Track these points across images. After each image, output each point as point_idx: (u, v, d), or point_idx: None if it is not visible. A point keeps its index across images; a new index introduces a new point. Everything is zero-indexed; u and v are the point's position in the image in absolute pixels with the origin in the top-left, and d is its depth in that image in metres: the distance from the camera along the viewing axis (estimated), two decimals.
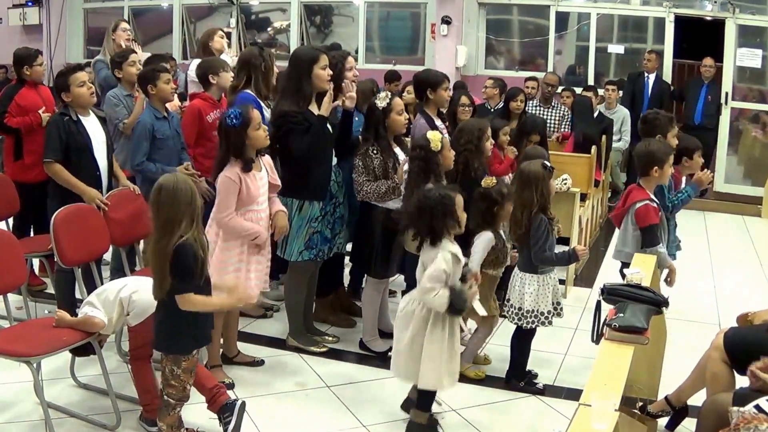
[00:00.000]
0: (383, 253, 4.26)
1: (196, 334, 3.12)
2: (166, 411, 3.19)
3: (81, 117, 4.31)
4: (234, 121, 3.63)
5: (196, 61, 5.47)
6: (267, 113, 4.54)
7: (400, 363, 3.44)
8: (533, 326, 3.93)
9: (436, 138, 3.99)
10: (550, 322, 3.94)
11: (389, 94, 4.32)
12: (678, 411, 3.53)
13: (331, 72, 4.23)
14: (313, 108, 4.18)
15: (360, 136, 4.38)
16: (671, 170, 4.16)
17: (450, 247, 3.33)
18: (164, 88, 4.54)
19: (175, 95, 5.12)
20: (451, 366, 3.38)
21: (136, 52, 5.20)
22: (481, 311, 3.94)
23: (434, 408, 3.59)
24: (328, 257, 4.40)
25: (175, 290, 2.98)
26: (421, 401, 3.53)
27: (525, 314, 3.90)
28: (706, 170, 4.54)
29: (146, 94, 4.62)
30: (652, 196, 4.12)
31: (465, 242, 3.99)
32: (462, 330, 4.34)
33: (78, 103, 4.29)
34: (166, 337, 3.08)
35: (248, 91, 4.50)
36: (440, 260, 3.27)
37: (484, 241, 3.99)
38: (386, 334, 4.54)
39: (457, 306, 3.26)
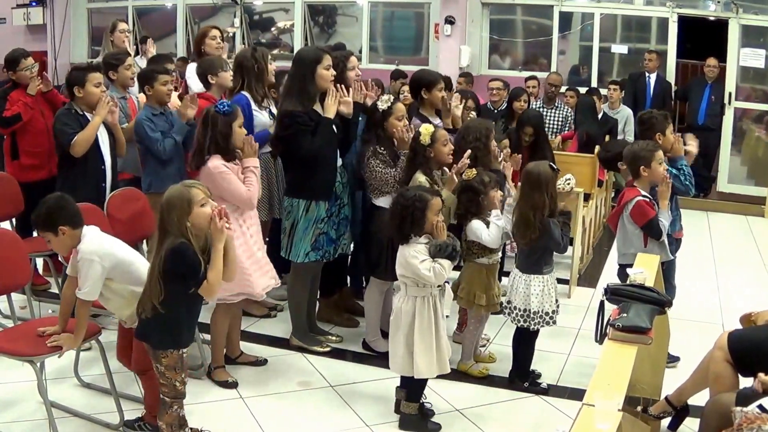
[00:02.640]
0: (391, 255, 4.24)
1: (172, 331, 3.10)
2: (164, 409, 3.20)
3: (86, 114, 4.30)
4: (225, 108, 3.78)
5: (193, 65, 5.45)
6: (262, 115, 4.55)
7: (397, 359, 3.58)
8: (539, 327, 3.92)
9: (426, 132, 4.03)
10: (554, 322, 3.95)
11: (392, 97, 4.32)
12: (679, 411, 3.52)
13: (334, 72, 4.23)
14: (317, 108, 4.18)
15: (361, 138, 4.38)
16: (662, 168, 4.10)
17: (420, 241, 3.49)
18: (160, 90, 4.53)
19: (175, 95, 5.07)
20: (440, 354, 3.55)
21: (130, 54, 5.16)
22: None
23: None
24: (333, 258, 4.40)
25: (196, 287, 3.04)
26: (410, 393, 3.64)
27: (532, 316, 3.88)
28: (676, 136, 4.43)
29: (143, 94, 4.63)
30: (644, 192, 4.10)
31: (458, 232, 4.04)
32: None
33: (88, 101, 4.28)
34: (144, 324, 3.10)
35: (244, 93, 4.53)
36: (413, 255, 3.44)
37: (480, 224, 3.98)
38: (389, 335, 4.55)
39: (450, 252, 3.42)
